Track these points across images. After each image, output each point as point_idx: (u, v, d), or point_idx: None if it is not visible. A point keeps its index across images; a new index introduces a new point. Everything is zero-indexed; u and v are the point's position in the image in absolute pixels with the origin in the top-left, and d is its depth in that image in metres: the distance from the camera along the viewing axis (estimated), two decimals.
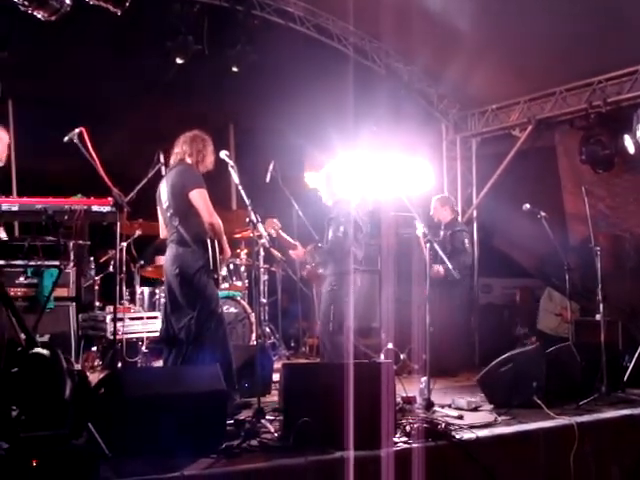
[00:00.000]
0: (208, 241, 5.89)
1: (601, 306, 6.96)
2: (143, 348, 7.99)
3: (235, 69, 9.33)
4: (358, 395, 4.67)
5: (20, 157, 7.70)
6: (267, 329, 9.31)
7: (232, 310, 8.61)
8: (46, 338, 6.06)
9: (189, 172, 6.01)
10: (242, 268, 9.39)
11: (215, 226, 5.89)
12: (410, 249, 8.81)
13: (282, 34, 9.72)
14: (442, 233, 8.85)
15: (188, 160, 6.09)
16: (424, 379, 6.02)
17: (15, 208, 5.17)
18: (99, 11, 5.35)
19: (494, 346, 8.53)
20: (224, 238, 6.08)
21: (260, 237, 6.25)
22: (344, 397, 4.63)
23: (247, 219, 5.82)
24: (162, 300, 8.63)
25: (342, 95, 9.44)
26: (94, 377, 6.55)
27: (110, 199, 5.20)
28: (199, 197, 5.87)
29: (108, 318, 7.78)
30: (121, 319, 7.52)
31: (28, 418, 3.85)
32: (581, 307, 9.45)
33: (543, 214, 8.01)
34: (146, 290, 8.79)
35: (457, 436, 5.02)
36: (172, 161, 6.20)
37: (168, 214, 6.00)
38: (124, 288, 8.45)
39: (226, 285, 9.20)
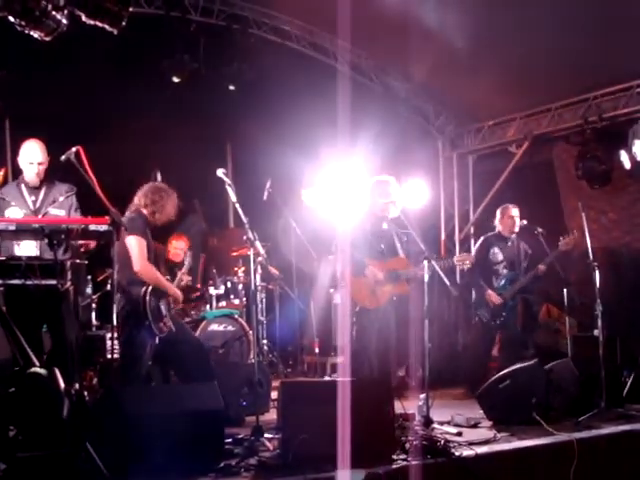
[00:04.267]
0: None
1: (599, 321, 6.94)
2: None
3: (232, 87, 9.36)
4: (356, 413, 4.66)
5: (17, 176, 7.70)
6: (265, 347, 9.29)
7: (230, 328, 8.59)
8: None
9: (131, 219, 6.00)
10: (239, 286, 9.40)
11: (142, 275, 5.88)
12: None
13: (279, 52, 9.77)
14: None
15: (143, 210, 6.13)
16: (423, 396, 6.00)
17: (12, 227, 5.15)
18: (96, 31, 5.37)
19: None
20: (162, 282, 6.08)
21: (257, 255, 6.24)
22: (342, 415, 4.62)
23: (244, 237, 5.83)
24: None
25: (339, 112, 9.45)
26: (92, 396, 6.54)
27: (107, 218, 5.19)
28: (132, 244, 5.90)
29: (106, 337, 7.76)
30: (119, 338, 7.49)
31: (25, 438, 3.83)
32: (579, 322, 9.44)
33: (540, 230, 8.03)
34: None
35: (456, 453, 5.00)
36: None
37: None
38: None
39: (223, 303, 9.20)
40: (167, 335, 5.94)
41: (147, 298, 5.82)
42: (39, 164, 6.17)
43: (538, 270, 8.07)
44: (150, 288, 5.86)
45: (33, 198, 6.16)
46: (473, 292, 8.08)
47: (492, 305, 8.10)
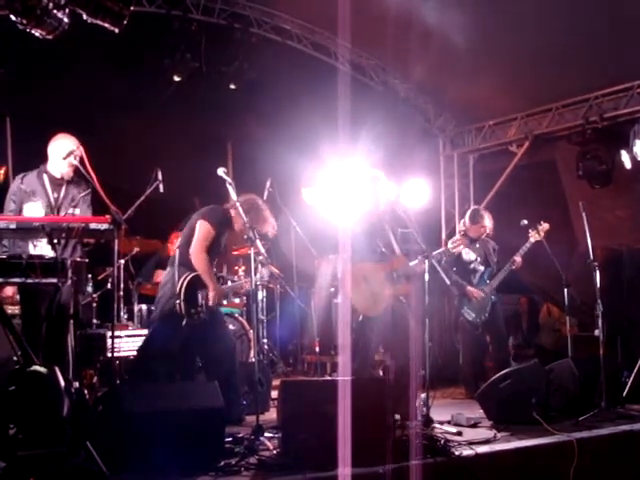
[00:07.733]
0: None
1: (599, 321, 6.94)
2: None
3: (233, 86, 9.37)
4: (357, 412, 4.65)
5: (18, 175, 7.71)
6: (265, 346, 9.29)
7: (230, 327, 8.58)
8: None
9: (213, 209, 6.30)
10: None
11: (193, 257, 6.04)
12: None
13: (280, 51, 9.77)
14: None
15: (232, 211, 6.28)
16: (423, 395, 5.99)
17: (13, 226, 5.15)
18: (97, 29, 5.36)
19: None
20: (208, 275, 6.11)
21: (258, 254, 6.24)
22: (343, 414, 4.62)
23: (245, 236, 5.83)
24: None
25: (339, 111, 9.44)
26: (92, 395, 6.54)
27: (108, 216, 5.20)
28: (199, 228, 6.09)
29: (106, 335, 7.77)
30: (119, 337, 7.51)
31: (26, 436, 3.83)
32: (579, 322, 9.43)
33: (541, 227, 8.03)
34: (144, 307, 8.77)
35: (456, 453, 4.99)
36: None
37: None
38: (122, 305, 8.44)
39: (224, 302, 9.19)
40: (198, 327, 6.04)
41: (187, 280, 5.95)
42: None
43: (514, 262, 8.08)
44: (194, 274, 5.98)
45: (55, 195, 6.12)
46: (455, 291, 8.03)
47: (475, 301, 8.10)
